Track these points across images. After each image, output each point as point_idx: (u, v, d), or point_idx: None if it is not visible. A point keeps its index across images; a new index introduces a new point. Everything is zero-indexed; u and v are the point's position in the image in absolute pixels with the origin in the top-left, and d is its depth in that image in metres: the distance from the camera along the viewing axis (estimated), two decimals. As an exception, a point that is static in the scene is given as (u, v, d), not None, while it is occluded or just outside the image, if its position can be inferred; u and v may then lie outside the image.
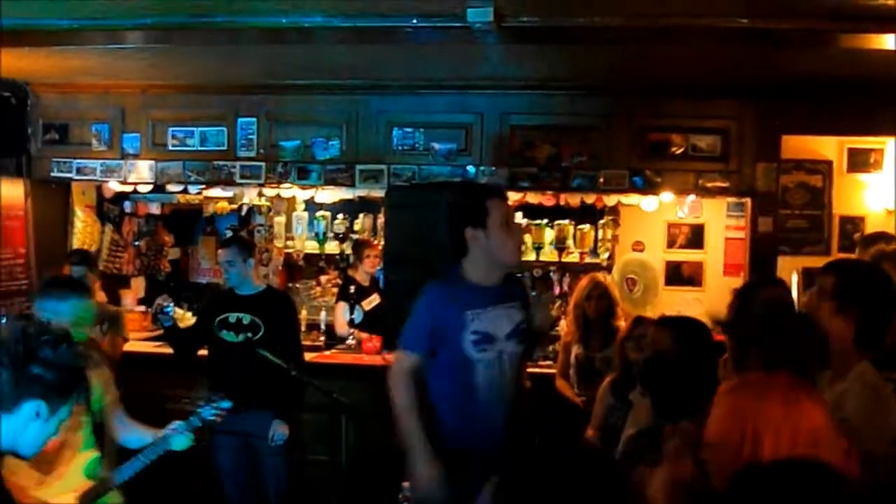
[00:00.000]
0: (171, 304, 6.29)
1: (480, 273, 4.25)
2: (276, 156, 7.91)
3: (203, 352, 6.38)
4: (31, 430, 2.78)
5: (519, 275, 4.59)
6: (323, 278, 9.57)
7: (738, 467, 2.26)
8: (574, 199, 8.26)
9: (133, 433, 4.75)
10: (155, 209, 9.58)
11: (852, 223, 8.88)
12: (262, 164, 7.93)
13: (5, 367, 2.70)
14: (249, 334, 6.10)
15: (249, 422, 5.61)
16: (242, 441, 6.01)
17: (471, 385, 4.20)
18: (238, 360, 6.03)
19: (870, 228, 8.55)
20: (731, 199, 8.32)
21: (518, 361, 4.40)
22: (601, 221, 8.80)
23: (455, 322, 4.18)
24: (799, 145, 8.49)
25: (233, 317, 6.17)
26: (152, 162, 8.13)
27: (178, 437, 4.58)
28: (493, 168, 7.54)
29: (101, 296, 7.21)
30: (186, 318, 8.10)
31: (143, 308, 8.80)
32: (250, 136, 7.91)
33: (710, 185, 7.59)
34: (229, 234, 9.06)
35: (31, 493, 4.11)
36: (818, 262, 8.42)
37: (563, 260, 8.69)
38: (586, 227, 8.72)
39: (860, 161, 8.89)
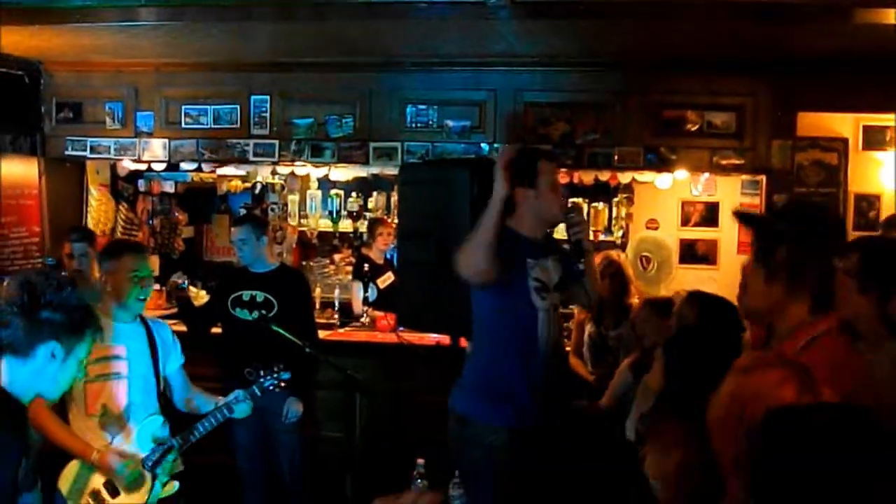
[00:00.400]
0: (186, 282, 6.30)
1: (527, 228, 4.39)
2: (290, 133, 7.88)
3: (217, 330, 6.38)
4: (49, 372, 2.90)
5: None
6: (336, 256, 9.58)
7: (737, 451, 2.20)
8: (588, 177, 8.22)
9: (197, 399, 4.96)
10: (169, 187, 9.60)
11: (867, 201, 8.84)
12: (276, 141, 7.90)
13: (16, 316, 2.83)
14: (263, 312, 6.11)
15: (264, 398, 5.64)
16: (257, 417, 6.01)
17: (534, 336, 4.33)
18: (252, 337, 6.04)
19: (885, 206, 8.51)
20: (745, 177, 8.26)
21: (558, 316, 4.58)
22: (615, 199, 8.77)
23: (518, 267, 4.30)
24: (814, 123, 8.43)
25: (246, 294, 6.18)
26: (166, 140, 8.12)
27: (241, 405, 4.83)
28: (508, 145, 7.50)
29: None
30: (201, 297, 8.11)
31: (157, 286, 8.81)
32: (263, 114, 7.88)
33: (724, 162, 7.54)
34: (243, 212, 9.08)
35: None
36: (834, 240, 8.40)
37: (578, 238, 8.64)
38: (600, 205, 8.70)
39: (876, 139, 8.83)
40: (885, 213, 7.90)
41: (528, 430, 4.36)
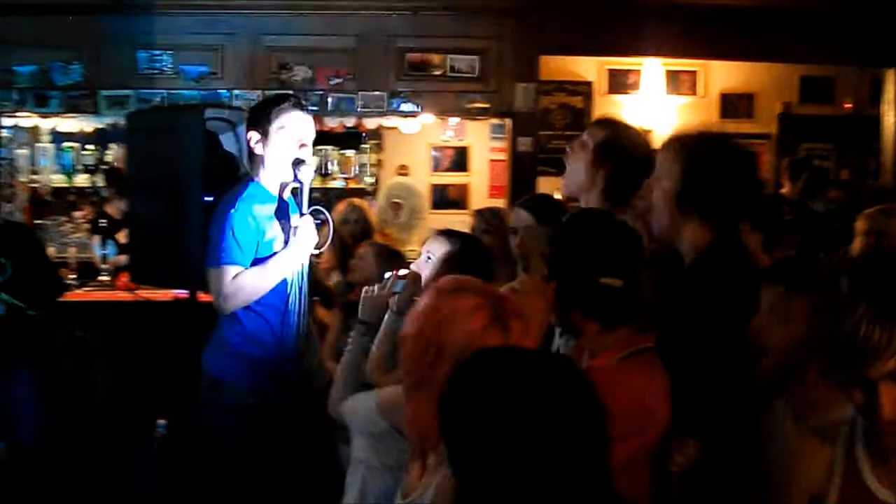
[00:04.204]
0: None
1: (268, 180, 4.13)
2: (11, 82, 7.42)
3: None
4: None
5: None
6: (76, 213, 9.06)
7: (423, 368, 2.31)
8: (333, 124, 8.07)
9: None
10: None
11: (612, 144, 9.12)
12: (-5, 90, 7.43)
13: None
14: None
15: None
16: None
17: (285, 292, 4.13)
18: None
19: (629, 148, 8.80)
20: (493, 121, 8.35)
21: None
22: (364, 146, 8.66)
23: (263, 235, 4.05)
24: (560, 67, 8.60)
25: None
26: None
27: None
28: (247, 91, 7.26)
29: None
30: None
31: None
32: (-20, 61, 7.35)
33: (469, 106, 7.60)
34: (-35, 169, 8.45)
35: None
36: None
37: (327, 186, 8.52)
38: (349, 152, 8.56)
39: (619, 82, 9.13)
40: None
41: (281, 399, 4.19)
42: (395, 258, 4.93)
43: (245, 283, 3.99)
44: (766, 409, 2.57)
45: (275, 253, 4.06)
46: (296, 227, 4.04)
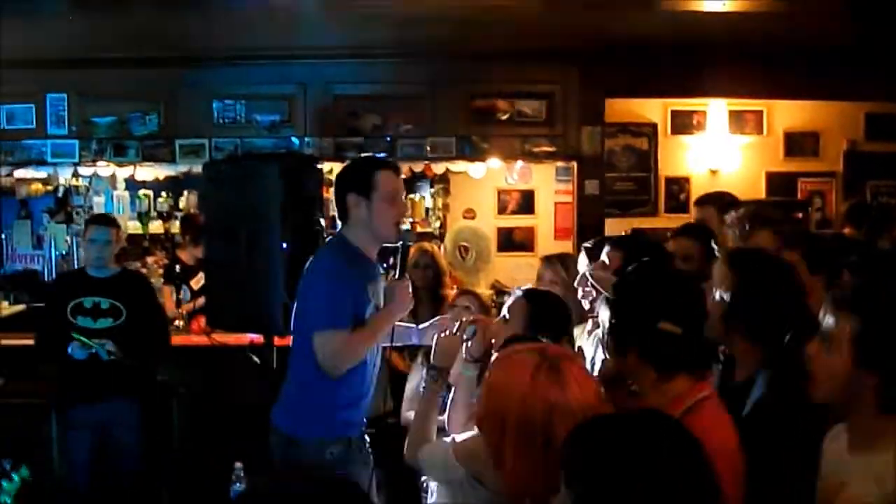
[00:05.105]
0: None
1: (363, 242, 4.15)
2: (90, 133, 7.63)
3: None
4: None
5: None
6: (150, 259, 9.22)
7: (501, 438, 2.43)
8: (403, 168, 8.16)
9: None
10: (-39, 194, 9.04)
11: (678, 184, 9.12)
12: (76, 141, 7.66)
13: None
14: (111, 320, 5.77)
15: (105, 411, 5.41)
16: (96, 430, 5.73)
17: (364, 359, 4.14)
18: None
19: (695, 189, 8.79)
20: (559, 164, 8.39)
21: None
22: (431, 190, 8.75)
23: (361, 297, 4.08)
24: (624, 109, 8.63)
25: (88, 301, 5.79)
26: (-44, 143, 7.70)
27: None
28: (318, 139, 7.41)
29: None
30: (4, 308, 7.67)
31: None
32: (61, 113, 7.63)
33: (536, 149, 7.65)
34: (46, 217, 8.65)
35: None
36: (646, 222, 8.67)
37: (395, 230, 8.60)
38: (417, 196, 8.65)
39: (683, 123, 9.12)
40: (695, 195, 8.11)
41: (357, 438, 4.23)
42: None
43: (353, 345, 4.00)
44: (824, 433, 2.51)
45: (372, 313, 4.08)
46: (393, 288, 4.10)
